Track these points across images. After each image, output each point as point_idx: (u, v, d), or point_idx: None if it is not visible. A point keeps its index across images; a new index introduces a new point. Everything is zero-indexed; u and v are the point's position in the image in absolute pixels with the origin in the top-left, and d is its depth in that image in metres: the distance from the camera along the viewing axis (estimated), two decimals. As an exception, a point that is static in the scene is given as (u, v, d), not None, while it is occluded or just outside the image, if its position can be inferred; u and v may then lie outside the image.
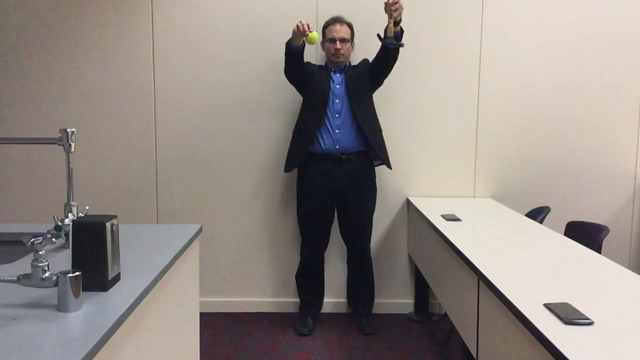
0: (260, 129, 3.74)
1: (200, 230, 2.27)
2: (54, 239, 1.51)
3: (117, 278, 1.55)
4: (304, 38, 3.13)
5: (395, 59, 3.32)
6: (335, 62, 3.45)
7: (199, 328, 2.45)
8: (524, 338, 1.66)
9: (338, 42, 3.39)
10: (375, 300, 3.70)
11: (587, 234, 2.79)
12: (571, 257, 2.36)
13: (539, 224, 3.01)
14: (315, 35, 3.14)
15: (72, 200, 1.92)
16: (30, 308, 1.36)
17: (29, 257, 1.49)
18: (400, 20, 3.10)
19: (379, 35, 3.11)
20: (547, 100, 3.72)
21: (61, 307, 1.34)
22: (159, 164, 3.76)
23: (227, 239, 3.80)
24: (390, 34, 3.03)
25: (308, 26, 3.09)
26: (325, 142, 3.40)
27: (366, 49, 3.48)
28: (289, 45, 3.25)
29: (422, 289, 3.73)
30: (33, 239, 1.42)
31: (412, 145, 3.74)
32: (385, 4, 3.00)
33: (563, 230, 2.99)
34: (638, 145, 3.76)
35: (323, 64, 3.57)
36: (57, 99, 3.72)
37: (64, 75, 3.70)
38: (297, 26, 3.11)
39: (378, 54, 3.33)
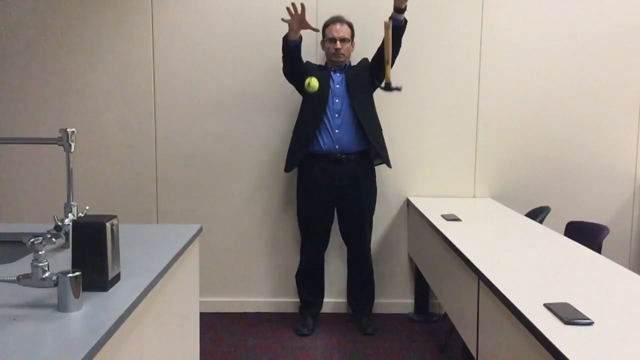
0: (260, 129, 3.74)
1: (200, 230, 2.27)
2: (54, 239, 1.51)
3: (117, 278, 1.55)
4: (306, 87, 3.20)
5: (397, 51, 3.29)
6: (335, 61, 3.44)
7: (199, 328, 2.45)
8: (524, 338, 1.65)
9: (338, 42, 3.38)
10: (375, 300, 3.70)
11: (587, 234, 2.79)
12: (571, 257, 2.36)
13: (539, 224, 3.01)
14: (315, 83, 3.21)
15: (72, 200, 1.92)
16: (30, 308, 1.36)
17: (29, 257, 1.49)
18: (405, 9, 3.09)
19: (378, 85, 3.21)
20: (547, 100, 3.72)
21: (61, 307, 1.34)
22: (159, 164, 3.76)
23: (227, 239, 3.80)
24: (387, 79, 3.07)
25: (303, 24, 3.11)
26: (325, 142, 3.39)
27: (366, 48, 3.47)
28: (285, 39, 3.25)
29: (422, 289, 3.73)
30: (33, 239, 1.42)
31: (412, 145, 3.74)
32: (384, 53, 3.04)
33: (563, 230, 2.99)
34: (638, 145, 3.76)
35: (323, 63, 3.57)
36: (57, 99, 3.72)
37: (63, 75, 3.70)
38: (287, 9, 3.10)
39: (377, 53, 3.33)
